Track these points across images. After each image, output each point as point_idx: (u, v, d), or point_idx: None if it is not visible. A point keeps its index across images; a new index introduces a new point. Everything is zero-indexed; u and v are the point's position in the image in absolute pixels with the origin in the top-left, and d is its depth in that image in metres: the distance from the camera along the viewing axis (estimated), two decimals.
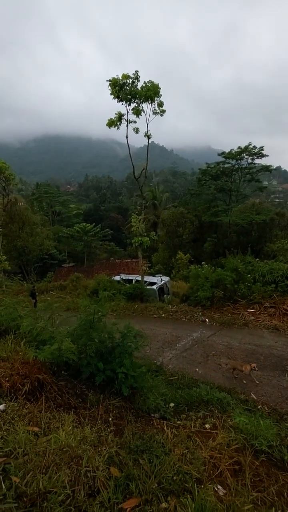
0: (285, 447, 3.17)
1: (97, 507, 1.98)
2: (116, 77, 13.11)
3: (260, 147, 24.84)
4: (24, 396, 3.08)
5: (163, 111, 13.54)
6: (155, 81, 13.20)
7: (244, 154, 25.12)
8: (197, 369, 6.46)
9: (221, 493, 2.38)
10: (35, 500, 1.90)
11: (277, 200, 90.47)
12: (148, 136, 14.06)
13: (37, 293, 16.16)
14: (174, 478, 2.38)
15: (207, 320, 10.23)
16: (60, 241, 38.46)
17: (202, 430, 3.38)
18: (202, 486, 2.35)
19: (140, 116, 13.63)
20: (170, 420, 3.70)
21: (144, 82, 13.23)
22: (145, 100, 13.18)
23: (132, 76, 13.15)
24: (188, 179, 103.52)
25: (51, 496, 1.93)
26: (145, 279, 15.80)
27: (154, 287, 15.16)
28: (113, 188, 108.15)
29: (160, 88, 13.14)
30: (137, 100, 13.35)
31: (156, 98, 13.21)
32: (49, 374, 3.58)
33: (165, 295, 15.82)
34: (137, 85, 13.27)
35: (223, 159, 25.96)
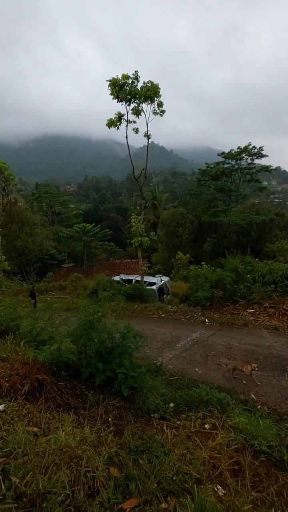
0: (284, 447, 3.17)
1: (97, 508, 1.98)
2: (115, 77, 13.11)
3: (260, 148, 24.85)
4: (24, 396, 3.08)
5: (163, 111, 13.54)
6: (155, 81, 13.21)
7: (244, 155, 25.12)
8: (196, 369, 6.46)
9: (220, 493, 2.38)
10: (34, 500, 1.90)
11: (276, 201, 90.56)
12: (147, 136, 14.06)
13: (36, 293, 16.15)
14: (174, 478, 2.38)
15: (206, 320, 10.24)
16: (59, 241, 38.45)
17: (202, 430, 3.38)
18: (202, 486, 2.35)
19: (139, 116, 13.64)
20: (169, 420, 3.70)
21: (144, 82, 13.24)
22: (145, 100, 13.18)
23: (132, 76, 13.16)
24: (187, 179, 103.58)
25: (51, 496, 1.93)
26: (144, 279, 15.80)
27: (154, 287, 15.15)
28: (112, 188, 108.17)
29: (159, 88, 13.14)
30: (137, 100, 13.35)
31: (155, 98, 13.22)
32: (49, 375, 3.58)
33: (164, 295, 15.82)
34: (136, 85, 13.27)
35: (223, 159, 25.96)
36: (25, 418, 2.74)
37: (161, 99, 13.32)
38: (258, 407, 4.69)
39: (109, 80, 13.20)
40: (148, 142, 14.39)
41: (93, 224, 40.40)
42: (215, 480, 2.53)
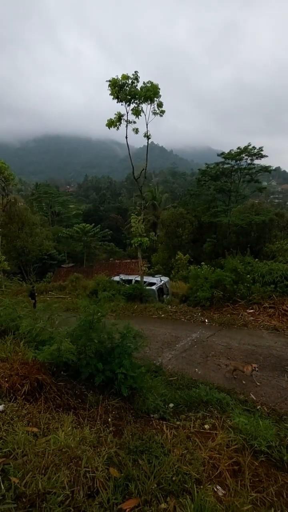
0: (284, 448, 3.18)
1: (96, 508, 1.98)
2: (115, 78, 13.11)
3: (260, 148, 24.87)
4: (23, 396, 3.08)
5: (163, 112, 13.55)
6: (155, 81, 13.22)
7: (244, 155, 25.14)
8: (196, 369, 6.46)
9: (220, 494, 2.38)
10: (34, 500, 1.89)
11: (276, 201, 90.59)
12: (147, 136, 14.06)
13: (36, 294, 16.15)
14: (174, 478, 2.38)
15: (206, 320, 10.24)
16: (59, 242, 38.44)
17: (202, 430, 3.38)
18: (202, 487, 2.35)
19: (139, 116, 13.64)
20: (169, 420, 3.70)
21: (144, 83, 13.24)
22: (145, 100, 13.18)
23: (132, 76, 13.16)
24: (187, 180, 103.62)
25: (50, 496, 1.93)
26: (144, 280, 15.79)
27: (154, 287, 15.15)
28: (112, 188, 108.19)
29: (159, 89, 13.15)
30: (137, 101, 13.35)
31: (155, 99, 13.21)
32: (49, 375, 3.58)
33: (164, 296, 15.82)
34: (136, 85, 13.27)
35: (223, 159, 25.98)
36: (24, 418, 2.74)
37: (161, 99, 13.34)
38: (258, 407, 4.69)
39: (109, 81, 13.20)
40: (148, 142, 14.40)
41: (93, 224, 40.40)
42: (214, 480, 2.53)
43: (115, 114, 13.66)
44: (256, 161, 25.67)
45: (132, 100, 13.36)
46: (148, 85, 13.09)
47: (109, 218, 58.23)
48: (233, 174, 26.39)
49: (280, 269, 11.39)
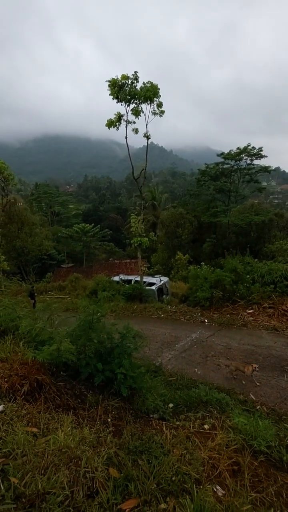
0: (284, 448, 3.18)
1: (96, 508, 1.98)
2: (115, 78, 13.12)
3: (259, 148, 24.91)
4: (23, 396, 3.08)
5: (162, 112, 13.55)
6: (155, 81, 13.22)
7: (243, 155, 25.18)
8: (196, 369, 6.47)
9: (220, 494, 2.39)
10: (34, 501, 1.89)
11: (276, 201, 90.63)
12: (147, 136, 14.06)
13: (36, 294, 16.15)
14: (173, 478, 2.38)
15: (206, 320, 10.24)
16: (59, 242, 38.43)
17: (201, 430, 3.38)
18: (201, 487, 2.35)
19: (139, 116, 13.64)
20: (169, 420, 3.70)
21: (143, 83, 13.24)
22: (144, 100, 13.18)
23: (131, 76, 13.16)
24: (187, 180, 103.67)
25: (50, 497, 1.93)
26: (144, 280, 15.79)
27: (153, 287, 15.15)
28: (112, 188, 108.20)
29: (159, 89, 13.15)
30: (136, 101, 13.35)
31: (155, 99, 13.21)
32: (48, 375, 3.57)
33: (164, 296, 15.82)
34: (136, 85, 13.27)
35: (222, 159, 26.01)
36: (24, 418, 2.73)
37: (160, 99, 13.33)
38: (257, 407, 4.69)
39: (109, 81, 13.21)
40: (147, 142, 14.40)
41: (93, 224, 40.42)
42: (214, 480, 2.53)
43: (115, 114, 13.67)
44: (256, 161, 25.74)
45: (132, 100, 13.36)
46: (148, 85, 13.09)
47: (108, 218, 58.24)
48: (232, 174, 26.42)
49: (279, 269, 11.39)
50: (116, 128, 13.79)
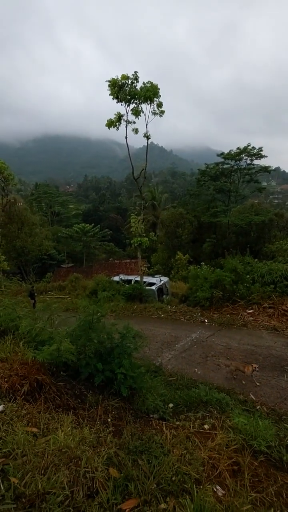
0: (283, 448, 3.18)
1: (96, 508, 1.98)
2: (115, 78, 13.12)
3: (259, 148, 24.91)
4: (23, 396, 3.08)
5: (162, 112, 13.55)
6: (155, 81, 13.21)
7: (243, 155, 25.18)
8: (196, 369, 6.47)
9: (220, 494, 2.39)
10: (34, 501, 1.89)
11: (276, 201, 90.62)
12: (147, 136, 14.06)
13: (36, 294, 16.15)
14: (173, 478, 2.38)
15: (206, 320, 10.24)
16: (59, 242, 38.43)
17: (201, 430, 3.38)
18: (201, 487, 2.35)
19: (139, 116, 13.64)
20: (169, 420, 3.70)
21: (143, 83, 13.23)
22: (144, 100, 13.18)
23: (131, 76, 13.16)
24: (187, 180, 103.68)
25: (50, 497, 1.93)
26: (144, 280, 15.79)
27: (153, 287, 15.15)
28: (112, 188, 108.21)
29: (159, 89, 13.14)
30: (136, 101, 13.35)
31: (155, 99, 13.21)
32: (48, 375, 3.58)
33: (164, 296, 15.82)
34: (136, 85, 13.27)
35: (222, 159, 26.02)
36: (24, 418, 2.74)
37: (160, 99, 13.32)
38: (257, 407, 4.69)
39: (109, 81, 13.21)
40: (147, 142, 14.39)
41: (93, 224, 40.43)
42: (214, 480, 2.53)
43: (115, 114, 13.66)
44: (256, 161, 25.74)
45: (132, 100, 13.36)
46: (148, 85, 13.09)
47: (108, 218, 58.24)
48: (232, 174, 26.43)
49: (279, 269, 11.39)
50: (116, 128, 13.79)
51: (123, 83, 13.20)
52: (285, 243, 22.44)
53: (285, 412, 4.59)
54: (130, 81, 13.20)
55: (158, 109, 13.46)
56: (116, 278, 17.02)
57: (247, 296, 11.19)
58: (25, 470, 2.08)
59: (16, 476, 2.02)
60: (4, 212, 25.77)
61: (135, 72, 13.21)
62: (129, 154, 14.87)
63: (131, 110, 13.56)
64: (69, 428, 2.70)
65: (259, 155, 25.06)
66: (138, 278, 15.88)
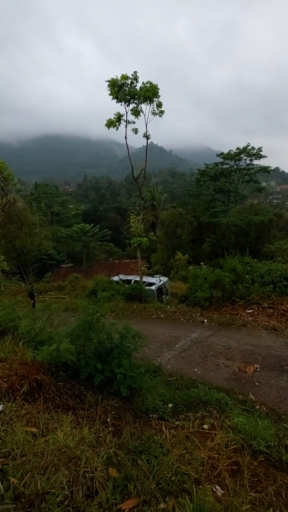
0: (283, 448, 3.18)
1: (96, 508, 1.98)
2: (115, 78, 13.12)
3: (259, 148, 24.95)
4: (22, 396, 3.08)
5: (162, 112, 13.55)
6: (155, 81, 13.22)
7: (243, 155, 25.22)
8: (195, 369, 6.47)
9: (219, 494, 2.39)
10: (33, 501, 1.89)
11: (275, 201, 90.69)
12: (147, 136, 14.06)
13: (35, 294, 16.13)
14: (173, 478, 2.38)
15: (205, 320, 10.25)
16: (58, 242, 38.42)
17: (201, 430, 3.38)
18: (201, 487, 2.35)
19: (139, 116, 13.65)
20: (168, 420, 3.70)
21: (143, 83, 13.23)
22: (144, 100, 13.18)
23: (131, 76, 13.16)
24: (187, 180, 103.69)
25: (49, 497, 1.93)
26: (143, 280, 15.80)
27: (153, 287, 15.16)
28: (112, 188, 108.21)
29: (158, 89, 13.15)
30: (136, 101, 13.35)
31: (154, 99, 13.22)
32: (48, 375, 3.57)
33: (163, 296, 15.82)
34: (135, 85, 13.27)
35: (222, 160, 26.05)
36: (23, 418, 2.73)
37: (160, 99, 13.33)
38: (257, 407, 4.69)
39: (108, 81, 13.21)
40: (147, 142, 14.39)
41: (92, 224, 40.41)
42: (213, 480, 2.53)
43: (115, 114, 13.66)
44: (255, 162, 25.79)
45: (132, 100, 13.36)
46: (147, 85, 13.10)
47: (108, 218, 58.23)
48: (232, 174, 26.46)
49: (279, 269, 11.41)
50: (115, 128, 13.79)
51: (122, 83, 13.20)
52: (284, 243, 22.47)
53: (285, 412, 4.60)
54: (129, 81, 13.20)
55: (158, 109, 13.47)
56: (116, 278, 17.02)
57: (246, 296, 11.21)
58: (25, 470, 2.08)
59: (16, 476, 2.02)
60: (3, 212, 25.76)
61: (134, 72, 13.22)
62: (128, 154, 14.88)
63: (131, 110, 13.57)
64: (68, 428, 2.70)
65: (258, 155, 25.10)
66: (137, 278, 15.88)
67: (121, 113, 13.68)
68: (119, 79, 13.11)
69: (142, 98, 13.03)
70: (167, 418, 3.77)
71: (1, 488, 1.90)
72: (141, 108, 13.55)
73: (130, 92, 13.14)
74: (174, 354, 7.44)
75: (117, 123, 13.73)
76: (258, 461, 2.93)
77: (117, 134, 13.67)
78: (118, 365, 3.89)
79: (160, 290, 15.71)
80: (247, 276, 11.81)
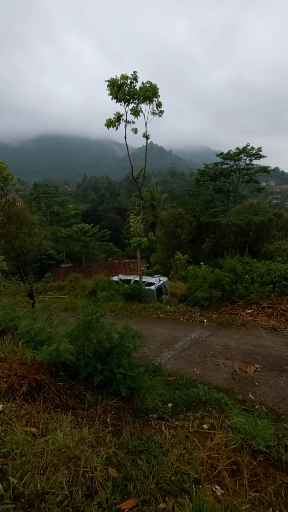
0: (282, 447, 3.18)
1: (95, 508, 1.98)
2: (114, 78, 13.12)
3: (258, 148, 24.98)
4: (22, 396, 3.08)
5: (162, 112, 13.55)
6: (155, 81, 13.24)
7: (242, 155, 25.24)
8: (195, 369, 6.47)
9: (219, 493, 2.39)
10: (32, 501, 1.89)
11: (274, 201, 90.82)
12: (146, 136, 14.06)
13: (35, 294, 16.13)
14: (172, 478, 2.38)
15: (205, 320, 10.25)
16: (58, 242, 38.40)
17: (200, 430, 3.38)
18: (200, 486, 2.35)
19: (138, 116, 13.65)
20: (168, 420, 3.70)
21: (143, 83, 13.24)
22: (144, 100, 13.18)
23: (131, 76, 13.16)
24: (186, 180, 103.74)
25: (49, 497, 1.93)
26: (143, 280, 15.80)
27: (152, 287, 15.16)
28: (111, 188, 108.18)
29: (158, 89, 13.15)
30: (136, 101, 13.36)
31: (154, 99, 13.22)
32: (47, 375, 3.57)
33: (163, 296, 15.83)
34: (135, 85, 13.28)
35: (222, 160, 26.07)
36: (23, 418, 2.73)
37: (160, 99, 13.34)
38: (256, 407, 4.70)
39: (108, 81, 13.20)
40: (147, 142, 14.40)
41: (92, 224, 40.41)
42: (213, 480, 2.53)
43: (114, 114, 13.66)
44: (255, 162, 25.84)
45: (131, 100, 13.36)
46: (147, 85, 13.10)
47: (108, 218, 58.22)
48: (232, 174, 26.48)
49: (278, 269, 11.42)
50: (115, 128, 13.79)
51: (122, 83, 13.20)
52: (284, 243, 22.49)
53: (284, 411, 4.60)
54: (129, 81, 13.21)
55: (157, 109, 13.47)
56: (115, 278, 17.03)
57: (246, 296, 11.22)
58: (24, 470, 2.08)
59: (15, 476, 2.02)
60: (3, 212, 25.74)
61: (134, 72, 13.23)
62: (128, 154, 14.88)
63: (130, 110, 13.57)
64: (68, 428, 2.70)
65: (258, 155, 25.13)
66: (137, 278, 15.89)
67: (121, 113, 13.70)
68: (119, 79, 13.11)
69: (141, 98, 13.04)
70: (167, 418, 3.77)
71: (1, 488, 1.90)
72: (141, 108, 13.57)
73: (130, 92, 13.14)
74: (173, 354, 7.44)
75: (116, 123, 13.73)
76: (257, 461, 2.93)
77: (116, 134, 13.69)
78: (117, 365, 3.89)
79: (159, 290, 15.72)
80: (247, 276, 11.82)
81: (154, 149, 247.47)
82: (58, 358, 3.52)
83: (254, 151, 24.89)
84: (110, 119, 13.67)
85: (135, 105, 13.51)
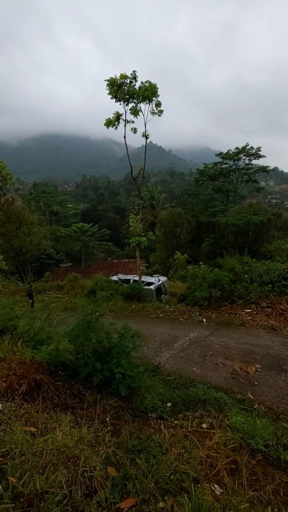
0: (281, 446, 3.19)
1: (94, 507, 1.99)
2: (114, 77, 13.10)
3: (257, 148, 25.01)
4: (21, 396, 3.08)
5: (161, 111, 13.54)
6: (155, 81, 13.20)
7: (242, 155, 25.27)
8: (194, 369, 6.48)
9: (218, 492, 2.40)
10: (32, 500, 1.89)
11: (274, 201, 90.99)
12: (146, 136, 14.05)
13: (34, 293, 16.11)
14: (171, 477, 2.39)
15: (204, 320, 10.26)
16: (57, 241, 38.41)
17: (199, 429, 3.39)
18: (199, 486, 2.36)
19: (138, 116, 13.63)
20: (167, 420, 3.71)
21: (142, 82, 13.22)
22: (143, 100, 13.17)
23: (130, 76, 13.14)
24: (186, 180, 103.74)
25: (48, 496, 1.93)
26: (142, 279, 15.81)
27: (152, 287, 15.17)
28: (111, 188, 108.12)
29: (157, 88, 13.14)
30: (135, 100, 13.34)
31: (153, 98, 13.20)
32: (46, 374, 3.57)
33: (162, 295, 15.84)
34: (135, 85, 13.25)
35: (221, 159, 26.08)
36: (22, 418, 2.73)
37: (159, 99, 13.32)
38: (255, 406, 4.71)
39: (108, 80, 13.18)
40: (146, 142, 14.38)
41: (91, 224, 40.44)
42: (212, 479, 2.54)
43: (114, 113, 13.64)
44: (254, 161, 25.87)
45: (131, 100, 13.34)
46: (146, 84, 13.08)
47: (107, 218, 58.21)
48: (231, 174, 26.50)
49: (277, 269, 11.44)
50: (115, 127, 13.77)
51: (121, 82, 13.18)
52: (283, 243, 22.51)
53: (283, 411, 4.62)
54: (128, 80, 13.19)
55: (157, 109, 13.46)
56: (115, 278, 17.02)
57: (245, 296, 11.23)
58: (23, 469, 2.08)
59: (15, 475, 2.02)
60: (2, 211, 25.71)
61: (133, 71, 13.21)
62: (127, 153, 14.86)
63: (130, 109, 13.55)
64: (67, 428, 2.70)
65: (257, 155, 25.16)
66: (136, 278, 15.89)
67: (120, 113, 13.67)
68: (118, 78, 13.10)
69: (141, 97, 13.02)
70: (166, 417, 3.78)
71: (0, 487, 1.90)
72: (140, 107, 13.54)
73: (129, 92, 13.12)
74: (173, 353, 7.45)
75: (116, 123, 13.71)
76: (256, 460, 2.94)
77: (116, 134, 13.74)
78: (117, 365, 3.89)
79: (159, 289, 15.73)
80: (246, 275, 11.83)
81: (154, 149, 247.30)
82: (57, 358, 3.53)
83: (254, 151, 24.92)
84: (109, 118, 13.65)
85: (134, 105, 13.49)
